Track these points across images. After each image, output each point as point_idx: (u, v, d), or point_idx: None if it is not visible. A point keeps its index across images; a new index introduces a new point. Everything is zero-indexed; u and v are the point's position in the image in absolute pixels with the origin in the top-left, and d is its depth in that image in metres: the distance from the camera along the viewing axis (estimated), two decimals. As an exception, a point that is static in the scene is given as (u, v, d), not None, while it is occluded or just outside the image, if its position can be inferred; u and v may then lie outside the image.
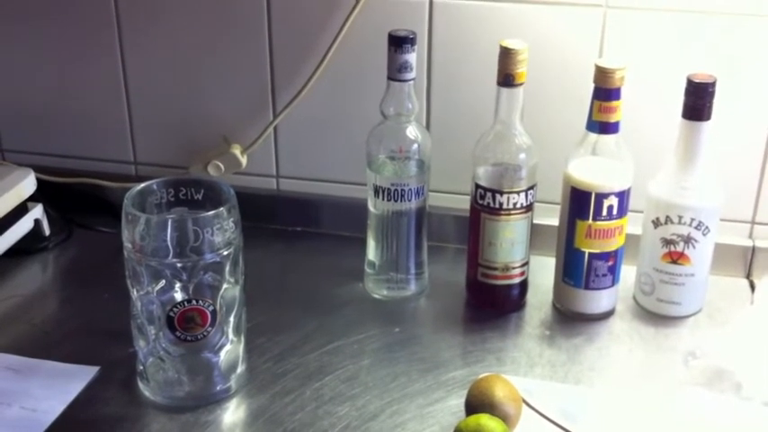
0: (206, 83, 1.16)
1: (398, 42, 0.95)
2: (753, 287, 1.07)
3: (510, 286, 1.02)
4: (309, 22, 1.10)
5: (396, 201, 1.00)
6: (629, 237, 1.00)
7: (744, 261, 1.09)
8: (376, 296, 1.06)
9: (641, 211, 1.01)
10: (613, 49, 1.03)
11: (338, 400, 0.88)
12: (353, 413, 0.86)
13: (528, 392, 0.87)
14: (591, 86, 0.94)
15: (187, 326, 0.83)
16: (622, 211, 0.97)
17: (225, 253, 0.83)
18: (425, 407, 0.87)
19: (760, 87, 1.02)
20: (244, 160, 1.16)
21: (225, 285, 0.85)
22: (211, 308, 0.84)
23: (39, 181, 1.16)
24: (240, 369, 0.90)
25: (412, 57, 0.95)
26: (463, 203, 1.03)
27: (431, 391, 0.89)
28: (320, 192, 1.19)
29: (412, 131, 1.00)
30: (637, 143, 0.98)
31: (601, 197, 0.95)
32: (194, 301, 0.83)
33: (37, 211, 1.15)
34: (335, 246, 1.14)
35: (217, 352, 0.87)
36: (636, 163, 0.97)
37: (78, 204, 1.21)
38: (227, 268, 0.84)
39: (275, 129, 1.16)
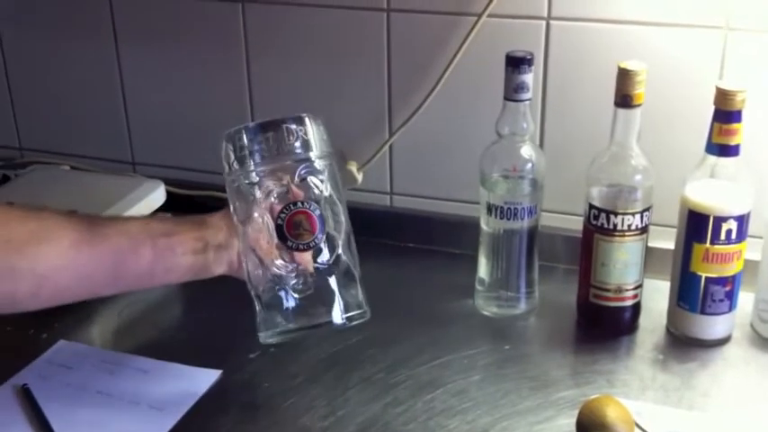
0: (325, 101, 1.19)
1: (516, 63, 0.96)
2: None
3: (622, 308, 1.01)
4: (427, 42, 1.12)
5: (508, 219, 1.01)
6: (748, 262, 0.97)
7: None
8: (486, 313, 1.06)
9: (760, 237, 0.99)
10: (734, 72, 1.01)
11: (449, 413, 0.89)
12: (464, 427, 0.87)
13: (639, 415, 0.86)
14: (710, 109, 0.92)
15: (296, 232, 0.80)
16: (741, 235, 0.95)
17: (322, 161, 0.83)
18: (535, 425, 0.88)
19: None
20: (360, 177, 1.19)
21: (326, 194, 0.83)
22: (318, 212, 0.81)
23: (168, 193, 1.22)
24: (362, 309, 0.85)
25: (529, 77, 0.96)
26: (575, 224, 1.03)
27: (541, 410, 0.90)
28: (433, 209, 1.20)
29: (526, 151, 1.01)
30: (757, 167, 0.96)
31: (719, 220, 0.94)
32: (300, 204, 0.81)
33: (166, 222, 1.21)
34: (447, 262, 1.16)
35: (331, 271, 0.83)
36: (756, 187, 0.95)
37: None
38: (327, 176, 0.83)
39: (390, 146, 1.19)
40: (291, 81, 1.21)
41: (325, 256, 0.83)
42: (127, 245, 0.84)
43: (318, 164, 0.83)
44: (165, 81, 1.28)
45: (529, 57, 0.96)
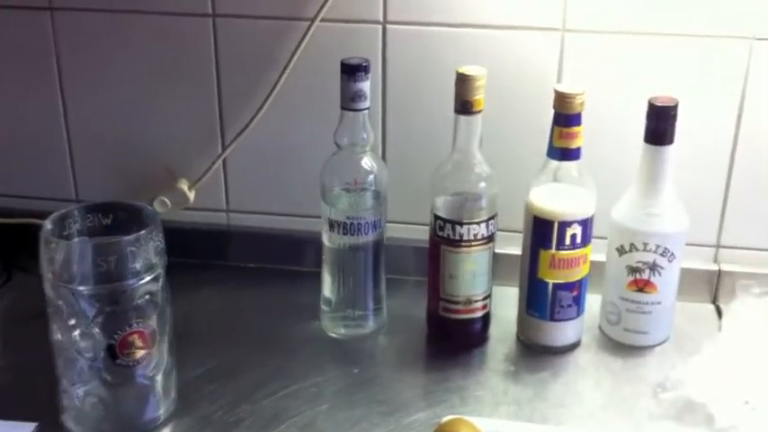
0: (151, 115, 1.12)
1: (351, 71, 0.91)
2: (720, 312, 1.05)
3: (472, 320, 0.99)
4: (259, 49, 1.06)
5: (352, 234, 0.96)
6: (593, 264, 0.97)
7: (709, 286, 1.07)
8: (333, 335, 1.02)
9: (605, 238, 0.98)
10: (572, 74, 1.01)
11: (295, 450, 0.84)
12: (312, 463, 0.82)
13: (493, 434, 0.83)
14: (551, 112, 0.91)
15: (128, 351, 0.81)
16: (586, 239, 0.95)
17: (154, 274, 0.82)
18: (387, 454, 0.83)
19: (721, 108, 1.01)
20: (191, 195, 1.12)
21: (159, 306, 0.83)
22: (150, 329, 0.82)
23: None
24: (173, 395, 0.87)
25: (366, 85, 0.92)
26: (423, 234, 1.00)
27: (393, 436, 0.85)
28: (273, 226, 1.15)
29: (367, 162, 0.96)
30: (599, 169, 0.96)
31: (564, 226, 0.93)
32: (135, 324, 0.81)
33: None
34: (290, 282, 1.10)
35: (153, 376, 0.84)
36: (598, 189, 0.94)
37: (19, 246, 1.14)
38: (160, 288, 0.83)
39: (225, 162, 1.12)
40: (111, 95, 1.12)
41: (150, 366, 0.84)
42: None
43: (151, 277, 0.82)
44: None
45: (365, 64, 0.92)
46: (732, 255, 1.07)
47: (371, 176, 0.96)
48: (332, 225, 0.96)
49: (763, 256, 1.06)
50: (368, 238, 0.97)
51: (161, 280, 0.83)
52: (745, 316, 1.01)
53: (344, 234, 0.96)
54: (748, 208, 1.04)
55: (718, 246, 1.07)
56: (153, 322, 0.83)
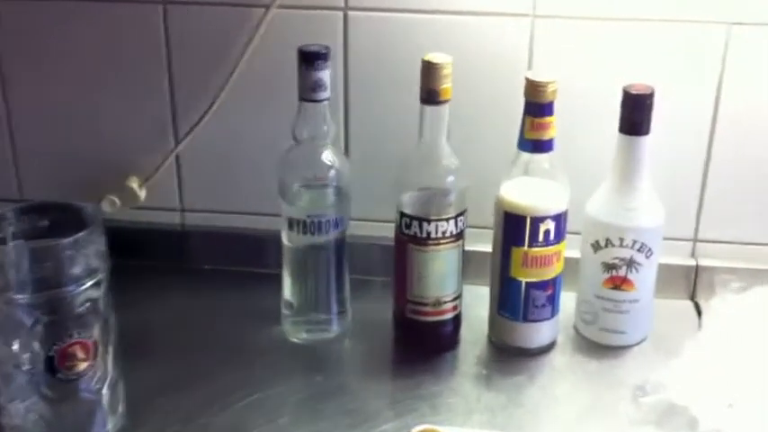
0: (98, 109, 1.06)
1: (310, 59, 0.86)
2: (698, 309, 1.02)
3: (442, 322, 0.94)
4: (212, 38, 1.01)
5: (313, 234, 0.91)
6: (567, 261, 0.94)
7: (687, 282, 1.04)
8: (295, 340, 0.97)
9: (579, 233, 0.95)
10: (543, 61, 0.97)
11: (254, 467, 0.79)
12: (272, 482, 0.77)
13: (466, 445, 0.79)
14: (522, 102, 0.88)
15: (69, 364, 0.76)
16: (560, 235, 0.91)
17: (96, 279, 0.76)
18: (354, 468, 0.79)
19: (698, 96, 0.98)
20: (142, 194, 1.07)
21: (102, 314, 0.78)
22: (92, 339, 0.77)
23: None
24: (121, 408, 0.82)
25: (326, 74, 0.87)
26: (389, 231, 0.95)
27: (359, 450, 0.81)
28: (230, 225, 1.09)
29: (328, 156, 0.91)
30: (572, 161, 0.92)
31: (537, 221, 0.89)
32: (76, 334, 0.76)
33: None
34: (249, 285, 1.05)
35: (98, 390, 0.79)
36: (572, 182, 0.91)
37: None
38: (102, 295, 0.78)
39: (178, 158, 1.07)
40: (55, 88, 1.06)
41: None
42: None
43: (92, 283, 0.77)
44: None
45: (324, 51, 0.86)
46: (710, 249, 1.04)
47: (333, 171, 0.91)
48: (291, 224, 0.91)
49: (742, 250, 1.03)
50: (330, 236, 0.92)
51: (103, 286, 0.78)
52: (725, 313, 0.99)
53: (305, 233, 0.91)
54: (727, 199, 1.02)
55: (695, 240, 1.04)
56: (95, 332, 0.77)
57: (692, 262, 1.04)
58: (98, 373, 0.79)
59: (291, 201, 0.91)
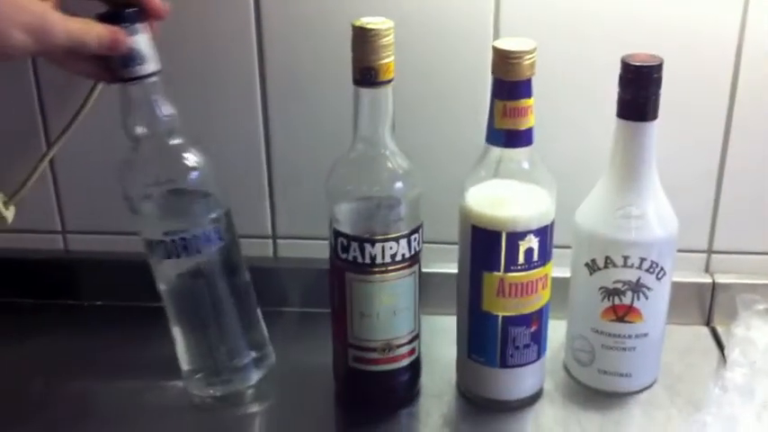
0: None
1: (107, 20, 0.67)
2: (717, 338, 0.88)
3: (395, 372, 0.79)
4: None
5: (179, 256, 0.74)
6: (555, 281, 0.78)
7: (701, 303, 0.91)
8: (199, 400, 0.80)
9: (568, 247, 0.80)
10: (516, 25, 0.83)
11: None
12: None
13: None
14: (490, 81, 0.71)
15: None
16: (545, 255, 0.75)
17: None
18: None
19: (711, 73, 0.83)
20: (9, 214, 0.89)
21: None
22: None
23: None
24: None
25: (140, 40, 0.68)
26: (322, 252, 0.79)
27: None
28: (124, 250, 0.92)
29: (178, 152, 0.74)
30: (557, 158, 0.78)
31: (515, 238, 0.74)
32: None
33: None
34: (148, 325, 0.85)
35: None
36: (558, 185, 0.76)
37: None
38: None
39: (53, 171, 0.92)
40: None
41: None
42: None
43: None
44: None
45: (130, 10, 0.67)
46: (728, 262, 0.91)
47: (194, 173, 0.73)
48: (151, 247, 0.74)
49: (764, 262, 0.90)
50: (205, 257, 0.75)
51: None
52: (752, 340, 0.83)
53: (168, 257, 0.74)
54: (747, 200, 0.89)
55: (709, 251, 0.91)
56: None
57: (708, 279, 0.91)
58: None
59: (143, 216, 0.74)
